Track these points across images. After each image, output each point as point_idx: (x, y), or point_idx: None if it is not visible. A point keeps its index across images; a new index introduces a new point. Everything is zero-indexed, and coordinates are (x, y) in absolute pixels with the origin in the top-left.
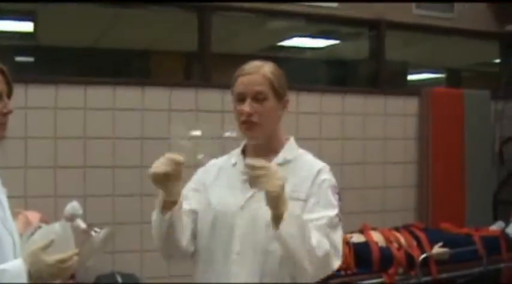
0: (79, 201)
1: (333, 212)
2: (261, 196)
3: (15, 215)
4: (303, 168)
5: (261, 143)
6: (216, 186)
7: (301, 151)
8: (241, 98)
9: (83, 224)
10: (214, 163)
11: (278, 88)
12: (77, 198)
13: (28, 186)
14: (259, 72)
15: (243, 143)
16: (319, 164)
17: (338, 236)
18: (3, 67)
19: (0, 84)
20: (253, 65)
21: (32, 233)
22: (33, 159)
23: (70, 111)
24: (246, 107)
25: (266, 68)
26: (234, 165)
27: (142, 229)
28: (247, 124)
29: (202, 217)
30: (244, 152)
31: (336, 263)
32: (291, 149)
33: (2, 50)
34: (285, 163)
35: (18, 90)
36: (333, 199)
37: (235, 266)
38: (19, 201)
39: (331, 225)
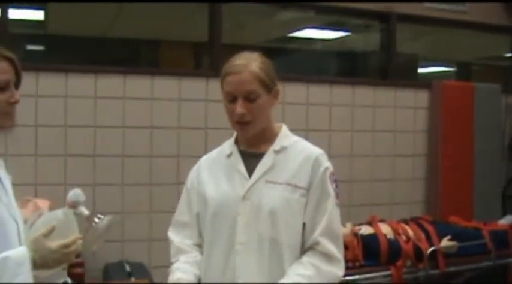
0: (88, 189)
1: (332, 204)
2: (261, 185)
3: (25, 203)
4: (300, 154)
5: (255, 134)
6: (212, 178)
7: (295, 138)
8: (231, 98)
9: (85, 211)
10: (207, 158)
11: (268, 82)
12: (86, 186)
13: (38, 173)
14: (247, 70)
15: (235, 133)
16: (316, 151)
17: (338, 227)
18: (13, 56)
19: (9, 74)
20: (240, 62)
21: (36, 219)
22: (43, 147)
23: (80, 99)
24: (239, 108)
25: (253, 65)
26: (229, 155)
27: (151, 218)
28: (240, 124)
29: (202, 213)
30: (237, 141)
31: (342, 263)
32: (286, 136)
33: (13, 38)
34: (282, 149)
35: (29, 78)
36: (332, 190)
37: (240, 257)
38: (29, 189)
39: (331, 222)
